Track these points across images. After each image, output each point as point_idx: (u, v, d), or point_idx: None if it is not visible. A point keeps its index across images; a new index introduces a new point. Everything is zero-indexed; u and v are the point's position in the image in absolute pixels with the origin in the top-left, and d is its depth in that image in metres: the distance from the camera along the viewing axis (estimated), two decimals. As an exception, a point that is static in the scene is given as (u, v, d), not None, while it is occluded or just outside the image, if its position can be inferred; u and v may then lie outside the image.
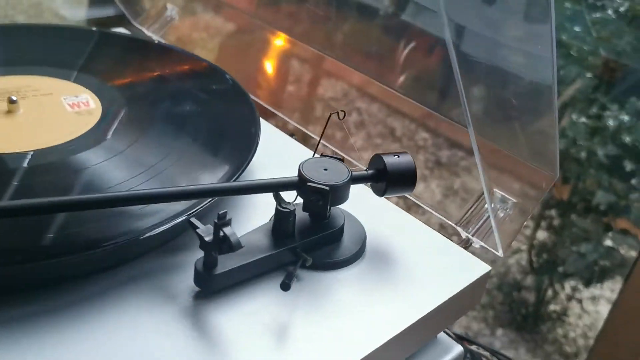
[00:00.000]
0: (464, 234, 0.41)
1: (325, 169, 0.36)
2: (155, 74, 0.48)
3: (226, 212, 0.31)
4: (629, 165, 1.12)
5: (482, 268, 0.38)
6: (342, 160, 0.37)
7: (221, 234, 0.31)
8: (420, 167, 0.74)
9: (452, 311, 0.37)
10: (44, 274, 0.32)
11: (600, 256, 1.23)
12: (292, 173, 0.36)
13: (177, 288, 0.33)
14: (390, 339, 0.33)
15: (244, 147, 0.41)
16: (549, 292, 1.47)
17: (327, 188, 0.34)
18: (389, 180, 0.36)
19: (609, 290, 1.56)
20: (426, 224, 0.40)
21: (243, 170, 0.38)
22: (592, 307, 1.56)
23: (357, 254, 0.37)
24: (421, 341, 0.37)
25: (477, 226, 0.40)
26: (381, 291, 0.35)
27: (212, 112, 0.45)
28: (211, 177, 0.38)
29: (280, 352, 0.31)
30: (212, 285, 0.33)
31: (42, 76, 0.46)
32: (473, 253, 0.39)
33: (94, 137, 0.39)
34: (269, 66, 0.64)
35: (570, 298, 1.50)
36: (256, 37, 0.63)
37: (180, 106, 0.44)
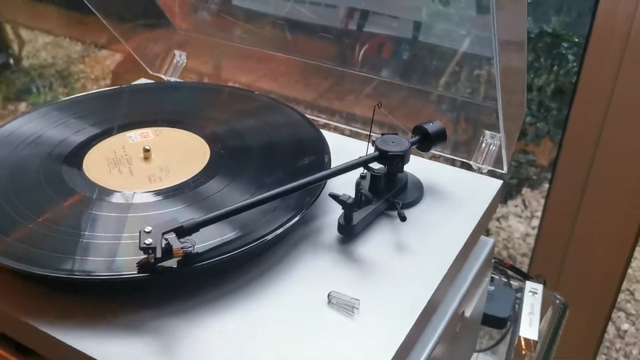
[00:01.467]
0: (475, 165, 0.60)
1: (393, 142, 0.53)
2: (239, 114, 0.63)
3: (359, 181, 0.48)
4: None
5: (497, 183, 0.57)
6: (397, 134, 0.55)
7: (360, 195, 0.48)
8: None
9: (486, 219, 0.56)
10: (251, 254, 0.47)
11: (511, 176, 1.50)
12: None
13: (328, 241, 0.50)
14: (465, 242, 0.51)
15: (320, 155, 0.57)
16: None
17: (402, 153, 0.52)
18: (432, 140, 0.55)
19: (513, 206, 1.86)
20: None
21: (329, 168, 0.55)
22: (505, 223, 1.84)
23: (421, 195, 0.55)
24: (475, 242, 0.56)
25: (482, 158, 0.60)
26: (445, 215, 0.54)
27: (289, 137, 0.59)
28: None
29: (406, 259, 0.49)
30: (352, 232, 0.50)
31: (166, 127, 0.60)
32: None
33: (210, 172, 0.54)
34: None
35: (488, 219, 1.76)
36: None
37: (265, 138, 0.59)
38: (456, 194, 0.56)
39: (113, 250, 0.45)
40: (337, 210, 0.51)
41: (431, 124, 0.55)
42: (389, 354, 0.41)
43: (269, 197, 0.47)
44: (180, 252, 0.43)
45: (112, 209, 0.49)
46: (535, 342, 0.69)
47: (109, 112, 0.63)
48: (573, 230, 1.00)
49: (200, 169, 0.54)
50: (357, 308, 0.44)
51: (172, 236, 0.43)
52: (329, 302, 0.45)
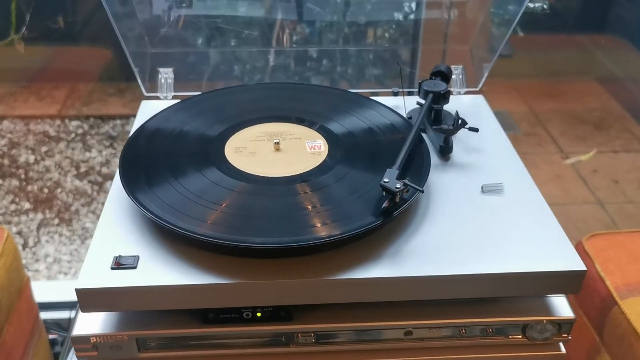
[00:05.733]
0: (455, 91, 0.84)
1: (433, 85, 0.74)
2: (354, 117, 0.73)
3: (457, 112, 0.68)
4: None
5: (480, 97, 0.82)
6: (430, 79, 0.75)
7: (459, 120, 0.68)
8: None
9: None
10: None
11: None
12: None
13: (439, 164, 0.69)
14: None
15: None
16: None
17: (448, 89, 0.73)
18: (448, 76, 0.76)
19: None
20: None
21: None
22: None
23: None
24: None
25: (458, 87, 0.84)
26: (476, 122, 0.77)
27: (390, 134, 0.71)
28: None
29: (486, 153, 0.71)
30: (450, 150, 0.70)
31: (295, 124, 0.71)
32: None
33: (325, 167, 0.65)
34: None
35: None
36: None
37: (373, 139, 0.70)
38: (467, 109, 0.80)
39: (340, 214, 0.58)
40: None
41: (441, 66, 0.77)
42: (541, 201, 0.64)
43: (407, 147, 0.64)
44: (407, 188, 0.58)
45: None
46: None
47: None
48: None
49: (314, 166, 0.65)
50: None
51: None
52: (482, 191, 0.65)
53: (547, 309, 0.59)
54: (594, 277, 0.98)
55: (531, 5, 1.47)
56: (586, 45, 1.82)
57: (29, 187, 1.70)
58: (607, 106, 1.98)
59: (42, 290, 1.22)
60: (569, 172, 1.86)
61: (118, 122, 1.87)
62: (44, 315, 1.05)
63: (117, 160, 0.62)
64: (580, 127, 1.98)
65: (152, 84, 0.82)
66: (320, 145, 0.68)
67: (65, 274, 1.44)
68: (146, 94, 0.82)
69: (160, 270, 0.55)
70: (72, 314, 1.16)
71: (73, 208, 1.62)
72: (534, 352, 0.60)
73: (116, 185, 0.64)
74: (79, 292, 0.53)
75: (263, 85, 0.82)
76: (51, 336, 1.12)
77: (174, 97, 0.82)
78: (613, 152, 1.87)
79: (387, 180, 0.57)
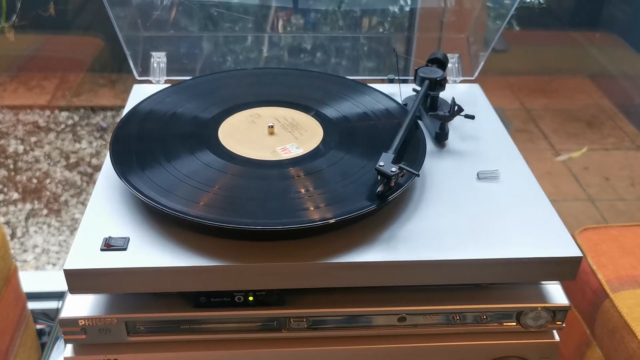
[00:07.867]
0: (451, 80, 0.83)
1: (430, 72, 0.73)
2: (349, 102, 0.72)
3: (453, 98, 0.67)
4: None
5: (476, 86, 0.82)
6: (426, 65, 0.74)
7: (455, 106, 0.67)
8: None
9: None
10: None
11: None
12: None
13: (435, 151, 0.69)
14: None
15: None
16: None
17: (445, 76, 0.72)
18: (445, 63, 0.76)
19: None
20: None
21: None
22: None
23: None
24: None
25: (454, 75, 0.83)
26: (471, 110, 0.76)
27: (387, 119, 0.69)
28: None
29: (482, 141, 0.70)
30: (446, 137, 0.70)
31: (291, 109, 0.70)
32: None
33: (320, 152, 0.64)
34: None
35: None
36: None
37: (369, 125, 0.69)
38: (463, 97, 0.79)
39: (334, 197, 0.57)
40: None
41: (438, 53, 0.76)
42: (537, 189, 0.63)
43: (403, 132, 0.63)
44: (403, 172, 0.57)
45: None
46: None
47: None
48: None
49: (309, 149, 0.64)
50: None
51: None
52: (478, 178, 0.64)
53: (541, 296, 0.59)
54: (585, 270, 0.98)
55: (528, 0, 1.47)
56: (580, 41, 1.82)
57: (18, 177, 1.68)
58: (599, 103, 1.99)
59: (30, 280, 1.21)
60: (561, 169, 1.86)
61: (109, 113, 1.86)
62: (32, 305, 1.03)
63: (107, 152, 0.61)
64: (572, 124, 1.98)
65: (145, 68, 0.80)
66: (315, 130, 0.67)
67: (54, 264, 1.43)
68: (138, 78, 0.80)
69: (151, 252, 0.54)
70: (60, 304, 1.14)
71: (62, 199, 1.60)
72: (528, 340, 0.60)
73: (107, 167, 0.63)
74: (67, 272, 0.52)
75: (259, 70, 0.81)
76: (39, 326, 1.11)
77: (166, 82, 0.81)
78: (604, 149, 1.88)
79: (382, 164, 0.56)
